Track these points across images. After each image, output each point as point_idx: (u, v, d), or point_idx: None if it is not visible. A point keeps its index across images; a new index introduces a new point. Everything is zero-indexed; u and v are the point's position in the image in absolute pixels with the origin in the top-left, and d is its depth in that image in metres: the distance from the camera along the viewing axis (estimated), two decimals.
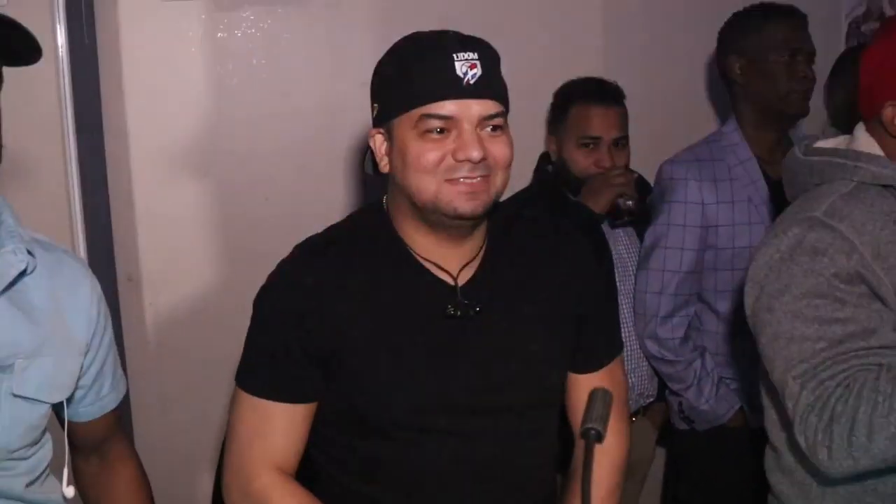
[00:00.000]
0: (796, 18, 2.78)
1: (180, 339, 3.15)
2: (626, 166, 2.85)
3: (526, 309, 1.84)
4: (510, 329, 1.82)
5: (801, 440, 1.75)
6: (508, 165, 1.77)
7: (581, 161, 2.82)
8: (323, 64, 3.18)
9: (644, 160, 2.99)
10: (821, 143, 2.02)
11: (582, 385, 1.92)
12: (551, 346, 1.87)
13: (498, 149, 1.74)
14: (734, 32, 2.84)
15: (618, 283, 2.86)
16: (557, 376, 1.92)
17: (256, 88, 3.16)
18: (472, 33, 1.83)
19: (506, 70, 1.72)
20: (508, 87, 1.76)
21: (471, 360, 1.78)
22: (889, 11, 3.71)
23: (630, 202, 2.77)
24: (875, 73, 1.90)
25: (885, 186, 1.86)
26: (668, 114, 3.36)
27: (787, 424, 1.83)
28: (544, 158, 2.98)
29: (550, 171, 2.93)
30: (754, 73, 2.79)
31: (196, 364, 3.10)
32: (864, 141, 1.93)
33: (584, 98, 2.85)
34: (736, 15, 2.86)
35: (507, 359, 1.81)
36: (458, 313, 1.78)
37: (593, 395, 1.34)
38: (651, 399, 3.00)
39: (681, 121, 3.32)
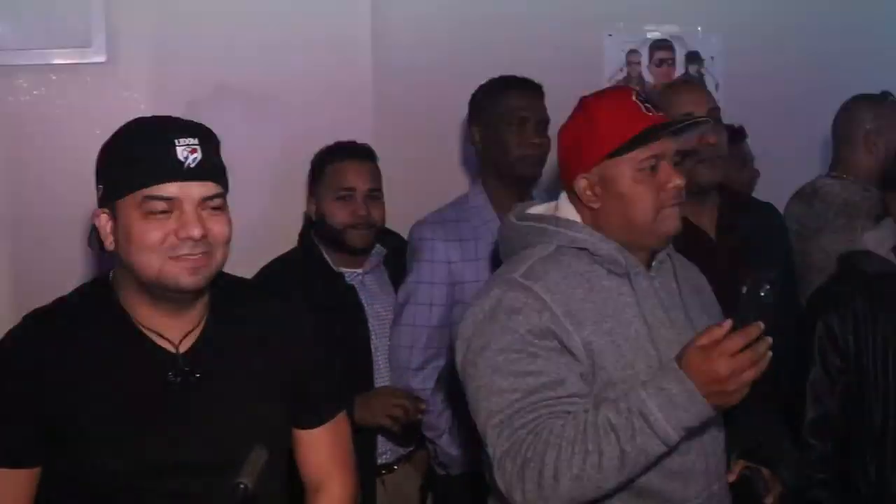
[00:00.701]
0: (528, 89, 3.01)
1: None
2: (381, 218, 3.01)
3: (245, 373, 1.95)
4: (230, 393, 1.92)
5: (500, 484, 1.90)
6: (227, 241, 1.88)
7: (338, 213, 2.95)
8: (97, 128, 3.16)
9: (404, 220, 3.15)
10: (532, 210, 2.22)
11: (305, 440, 2.06)
12: (271, 406, 1.98)
13: (217, 227, 1.85)
14: (476, 103, 3.07)
15: (375, 339, 3.00)
16: (279, 434, 2.02)
17: (32, 155, 3.20)
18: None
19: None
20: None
21: (193, 424, 1.87)
22: (647, 76, 4.02)
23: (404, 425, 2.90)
24: (568, 149, 2.11)
25: (581, 249, 2.06)
26: (429, 176, 3.55)
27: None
28: (309, 221, 3.10)
29: (313, 235, 3.04)
30: (491, 140, 3.00)
31: None
32: (565, 208, 2.13)
33: (338, 155, 3.01)
34: (480, 87, 3.08)
35: (227, 421, 1.90)
36: (179, 379, 1.87)
37: (250, 452, 1.48)
38: (411, 448, 3.12)
39: (439, 183, 3.49)
